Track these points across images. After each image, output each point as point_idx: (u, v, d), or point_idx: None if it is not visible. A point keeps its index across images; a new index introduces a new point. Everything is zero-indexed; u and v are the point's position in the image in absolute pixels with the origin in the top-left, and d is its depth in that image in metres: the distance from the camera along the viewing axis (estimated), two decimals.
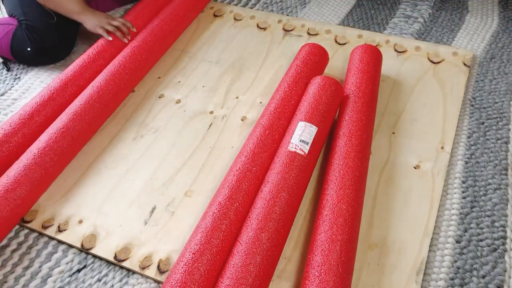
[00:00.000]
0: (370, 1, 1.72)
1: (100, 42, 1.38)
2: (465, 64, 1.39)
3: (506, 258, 0.96)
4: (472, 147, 1.18)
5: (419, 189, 1.07)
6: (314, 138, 1.05)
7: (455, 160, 1.15)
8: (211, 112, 1.29)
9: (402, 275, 0.92)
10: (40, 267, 0.98)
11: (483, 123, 1.24)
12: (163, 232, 1.01)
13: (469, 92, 1.32)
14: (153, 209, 1.06)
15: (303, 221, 1.02)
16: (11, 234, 1.03)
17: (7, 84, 1.41)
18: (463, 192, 1.08)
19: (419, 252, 0.96)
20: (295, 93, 1.18)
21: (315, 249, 0.87)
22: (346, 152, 1.03)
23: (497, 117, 1.25)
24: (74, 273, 0.97)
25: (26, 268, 0.97)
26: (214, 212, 0.92)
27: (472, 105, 1.29)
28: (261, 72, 1.41)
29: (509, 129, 1.22)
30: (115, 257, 0.97)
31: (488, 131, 1.22)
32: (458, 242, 0.99)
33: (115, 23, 1.39)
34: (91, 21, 1.38)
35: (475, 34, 1.54)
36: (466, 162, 1.14)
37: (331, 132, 1.16)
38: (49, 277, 0.96)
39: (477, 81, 1.36)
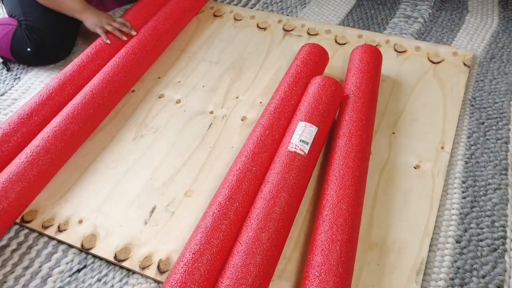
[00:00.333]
0: (370, 1, 1.72)
1: (98, 41, 1.38)
2: (465, 64, 1.39)
3: (506, 258, 0.96)
4: (472, 147, 1.18)
5: (419, 189, 1.07)
6: (314, 138, 1.05)
7: (455, 160, 1.15)
8: (211, 112, 1.29)
9: (402, 275, 0.92)
10: (40, 267, 0.98)
11: (483, 123, 1.24)
12: (163, 232, 1.01)
13: (469, 92, 1.32)
14: (153, 209, 1.06)
15: (303, 221, 1.02)
16: (11, 234, 1.03)
17: (7, 84, 1.41)
18: (463, 192, 1.08)
19: (419, 252, 0.96)
20: (295, 93, 1.18)
21: (315, 249, 0.87)
22: (346, 152, 1.03)
23: (497, 117, 1.25)
24: (74, 273, 0.97)
25: (26, 268, 0.97)
26: (214, 212, 0.92)
27: (472, 105, 1.29)
28: (261, 72, 1.41)
29: (509, 129, 1.22)
30: (115, 257, 0.97)
31: (488, 131, 1.22)
32: (458, 242, 0.99)
33: (115, 24, 1.38)
34: (91, 20, 1.38)
35: (475, 34, 1.54)
36: (466, 162, 1.14)
37: (331, 132, 1.16)
38: (49, 277, 0.96)
39: (477, 81, 1.36)
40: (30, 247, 1.01)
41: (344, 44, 1.49)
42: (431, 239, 0.98)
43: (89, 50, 1.35)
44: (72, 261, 0.98)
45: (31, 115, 1.16)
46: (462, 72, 1.36)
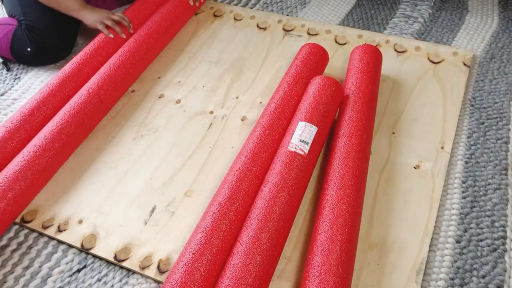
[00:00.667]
0: (370, 1, 1.72)
1: (97, 39, 1.38)
2: (465, 64, 1.39)
3: (506, 258, 0.96)
4: (472, 147, 1.18)
5: (419, 189, 1.07)
6: (314, 138, 1.05)
7: (455, 160, 1.15)
8: (211, 112, 1.29)
9: (402, 275, 0.92)
10: (40, 267, 0.98)
11: (483, 123, 1.24)
12: (163, 232, 1.01)
13: (469, 92, 1.32)
14: (153, 209, 1.06)
15: (303, 221, 1.02)
16: (11, 234, 1.03)
17: (7, 84, 1.41)
18: (463, 192, 1.08)
19: (419, 252, 0.96)
20: (295, 93, 1.18)
21: (315, 249, 0.87)
22: (346, 152, 1.03)
23: (497, 117, 1.25)
24: (74, 273, 0.97)
25: (26, 268, 0.97)
26: (214, 212, 0.92)
27: (472, 105, 1.29)
28: (261, 72, 1.41)
29: (509, 129, 1.22)
30: (115, 257, 0.97)
31: (488, 131, 1.22)
32: (458, 242, 0.99)
33: (115, 17, 1.41)
34: (90, 16, 1.39)
35: (475, 34, 1.54)
36: (466, 162, 1.14)
37: (331, 132, 1.16)
38: (49, 277, 0.96)
39: (477, 81, 1.36)
40: (30, 247, 1.01)
41: (344, 44, 1.49)
42: (431, 239, 0.98)
43: (88, 47, 1.36)
44: (72, 261, 0.98)
45: (33, 112, 1.17)
46: (462, 72, 1.36)
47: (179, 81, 1.39)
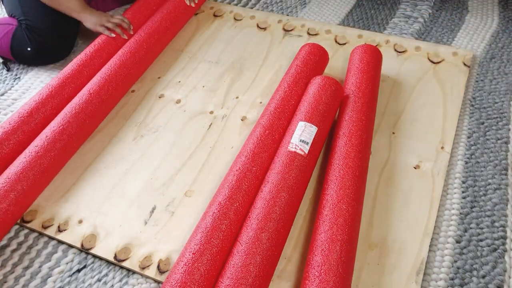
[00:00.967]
0: (370, 1, 1.72)
1: (97, 40, 1.38)
2: (465, 64, 1.39)
3: (506, 258, 0.96)
4: (472, 147, 1.18)
5: (419, 189, 1.07)
6: (314, 138, 1.05)
7: (455, 160, 1.15)
8: (211, 112, 1.29)
9: (402, 275, 0.92)
10: (40, 267, 0.98)
11: (483, 123, 1.24)
12: (163, 232, 1.01)
13: (469, 92, 1.32)
14: (153, 209, 1.06)
15: (303, 221, 1.02)
16: (11, 234, 1.03)
17: (7, 84, 1.41)
18: (463, 192, 1.08)
19: (419, 252, 0.96)
20: (295, 93, 1.18)
21: (315, 249, 0.87)
22: (346, 152, 1.03)
23: (497, 117, 1.25)
24: (74, 273, 0.97)
25: (26, 268, 0.97)
26: (214, 212, 0.92)
27: (472, 105, 1.29)
28: (261, 72, 1.41)
29: (509, 129, 1.22)
30: (115, 257, 0.97)
31: (488, 131, 1.22)
32: (458, 242, 0.99)
33: (115, 20, 1.40)
34: (91, 19, 1.39)
35: (475, 34, 1.54)
36: (466, 162, 1.14)
37: (331, 132, 1.16)
38: (49, 277, 0.96)
39: (477, 81, 1.36)
40: (30, 247, 1.01)
41: (344, 44, 1.49)
42: (431, 239, 0.98)
43: (88, 49, 1.36)
44: (72, 261, 0.98)
45: (31, 113, 1.17)
46: (462, 72, 1.36)
47: (179, 81, 1.39)
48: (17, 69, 1.46)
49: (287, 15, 1.65)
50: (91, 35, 1.46)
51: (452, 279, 0.93)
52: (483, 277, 0.93)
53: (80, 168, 1.15)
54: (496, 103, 1.29)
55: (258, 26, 1.59)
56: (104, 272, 0.96)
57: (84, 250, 0.99)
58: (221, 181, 1.08)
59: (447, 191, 1.08)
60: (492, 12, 1.64)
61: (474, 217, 1.03)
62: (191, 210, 1.05)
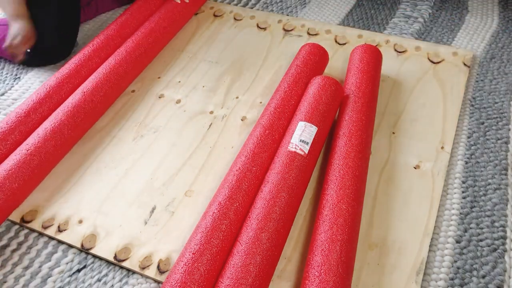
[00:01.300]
0: (370, 1, 1.72)
1: (96, 40, 1.38)
2: (465, 64, 1.39)
3: (506, 258, 0.96)
4: (472, 147, 1.18)
5: (419, 189, 1.07)
6: (314, 138, 1.05)
7: (455, 160, 1.15)
8: (211, 112, 1.29)
9: (402, 275, 0.92)
10: (40, 267, 0.98)
11: (483, 123, 1.24)
12: (163, 232, 1.01)
13: (469, 92, 1.32)
14: (153, 209, 1.06)
15: (303, 221, 1.02)
16: (11, 234, 1.03)
17: (7, 84, 1.41)
18: (463, 192, 1.08)
19: (419, 252, 0.96)
20: (295, 93, 1.18)
21: (315, 249, 0.87)
22: (346, 152, 1.03)
23: (497, 117, 1.25)
24: (74, 273, 0.97)
25: (26, 268, 0.97)
26: (214, 212, 0.92)
27: (472, 105, 1.29)
28: (261, 72, 1.41)
29: (509, 129, 1.22)
30: (115, 257, 0.97)
31: (488, 131, 1.22)
32: (458, 242, 0.99)
33: (15, 43, 1.29)
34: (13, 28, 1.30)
35: (475, 34, 1.54)
36: (466, 162, 1.14)
37: (331, 132, 1.16)
38: (49, 277, 0.96)
39: (477, 81, 1.36)
40: (30, 247, 1.01)
41: (344, 44, 1.49)
42: (431, 239, 0.98)
43: (87, 49, 1.35)
44: (72, 261, 0.98)
45: (29, 113, 1.17)
46: (462, 72, 1.36)
47: (179, 81, 1.39)
48: (17, 69, 1.46)
49: (287, 15, 1.65)
50: (91, 36, 1.46)
51: (452, 279, 0.93)
52: (483, 277, 0.93)
53: (80, 168, 1.15)
54: (496, 103, 1.29)
55: (258, 26, 1.59)
56: (104, 272, 0.96)
57: (84, 250, 0.99)
58: (221, 181, 1.08)
59: (447, 191, 1.08)
60: (492, 12, 1.64)
61: (474, 217, 1.03)
62: (191, 210, 1.05)
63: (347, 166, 0.99)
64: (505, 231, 1.01)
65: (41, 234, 1.03)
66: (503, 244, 0.98)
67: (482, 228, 1.01)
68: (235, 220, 0.92)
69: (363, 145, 1.05)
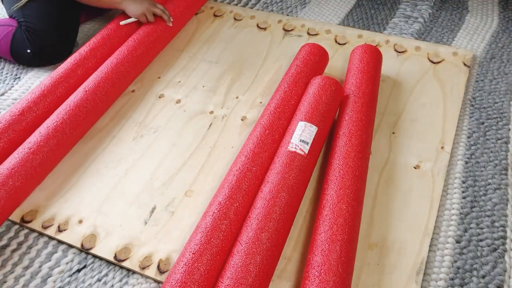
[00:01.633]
0: (370, 1, 1.72)
1: (92, 40, 1.38)
2: (465, 64, 1.39)
3: (506, 258, 0.96)
4: (472, 147, 1.18)
5: (419, 189, 1.07)
6: (314, 138, 1.05)
7: (455, 160, 1.15)
8: (211, 112, 1.29)
9: (402, 275, 0.92)
10: (40, 267, 0.98)
11: (483, 123, 1.24)
12: (163, 232, 1.01)
13: (469, 92, 1.32)
14: (153, 209, 1.06)
15: (303, 221, 1.02)
16: (11, 234, 1.03)
17: (7, 84, 1.41)
18: (463, 192, 1.08)
19: (419, 252, 0.96)
20: (295, 93, 1.18)
21: (315, 249, 0.87)
22: (346, 152, 1.03)
23: (497, 117, 1.25)
24: (74, 273, 0.97)
25: (26, 268, 0.97)
26: (214, 212, 0.92)
27: (472, 105, 1.29)
28: (261, 72, 1.41)
29: (509, 129, 1.22)
30: (115, 257, 0.97)
31: (488, 131, 1.22)
32: (458, 242, 0.99)
33: (157, 10, 1.43)
34: (134, 7, 1.42)
35: (475, 34, 1.54)
36: (466, 162, 1.14)
37: (331, 132, 1.16)
38: (49, 277, 0.96)
39: (477, 81, 1.36)
40: (30, 247, 1.01)
41: (344, 44, 1.49)
42: (431, 239, 0.98)
43: (83, 49, 1.36)
44: (72, 261, 0.98)
45: (23, 112, 1.17)
46: (462, 72, 1.36)
47: (179, 81, 1.39)
48: (17, 69, 1.46)
49: (287, 15, 1.65)
50: (91, 36, 1.46)
51: (452, 279, 0.93)
52: (483, 277, 0.93)
53: (80, 168, 1.15)
54: (496, 103, 1.29)
55: (258, 26, 1.59)
56: (104, 272, 0.96)
57: (84, 250, 0.99)
58: (221, 181, 1.08)
59: (447, 191, 1.08)
60: (492, 12, 1.64)
61: (474, 217, 1.03)
62: (191, 210, 1.05)
63: (347, 166, 0.99)
64: (505, 231, 1.01)
65: (41, 234, 1.03)
66: (503, 244, 0.98)
67: (482, 228, 1.01)
68: (235, 220, 0.92)
69: (363, 145, 1.05)
